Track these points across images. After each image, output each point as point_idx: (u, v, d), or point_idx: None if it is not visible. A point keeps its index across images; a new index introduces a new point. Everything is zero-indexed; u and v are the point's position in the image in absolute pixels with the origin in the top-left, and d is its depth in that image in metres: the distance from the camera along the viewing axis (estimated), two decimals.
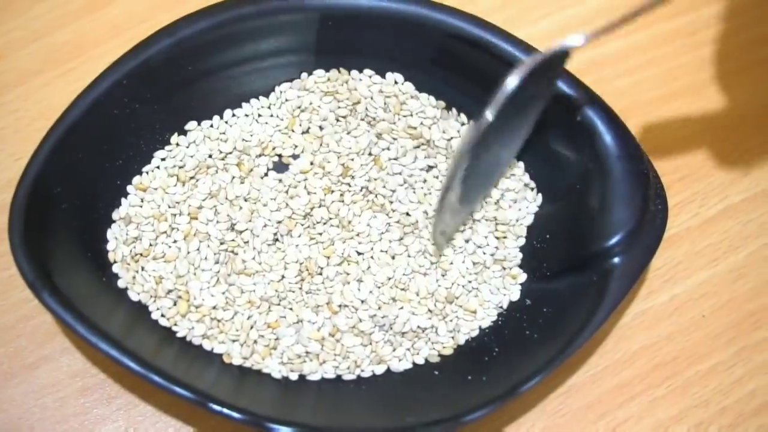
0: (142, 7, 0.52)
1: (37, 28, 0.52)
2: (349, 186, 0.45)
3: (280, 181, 0.46)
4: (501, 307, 0.44)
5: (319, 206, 0.45)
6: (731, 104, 0.50)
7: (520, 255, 0.45)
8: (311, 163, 0.46)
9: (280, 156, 0.46)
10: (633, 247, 0.41)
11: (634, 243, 0.41)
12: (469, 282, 0.44)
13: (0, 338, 0.44)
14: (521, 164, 0.46)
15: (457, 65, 0.45)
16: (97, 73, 0.43)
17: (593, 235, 0.42)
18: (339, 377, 0.42)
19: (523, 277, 0.44)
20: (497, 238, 0.45)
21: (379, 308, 0.43)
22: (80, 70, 0.50)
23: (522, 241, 0.45)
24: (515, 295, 0.44)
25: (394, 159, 0.46)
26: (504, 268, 0.44)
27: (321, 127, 0.47)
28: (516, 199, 0.45)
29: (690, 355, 0.45)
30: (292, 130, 0.46)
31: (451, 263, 0.44)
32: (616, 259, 0.41)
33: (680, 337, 0.45)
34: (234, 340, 0.42)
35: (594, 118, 0.42)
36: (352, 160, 0.46)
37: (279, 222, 0.45)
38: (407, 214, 0.45)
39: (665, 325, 0.45)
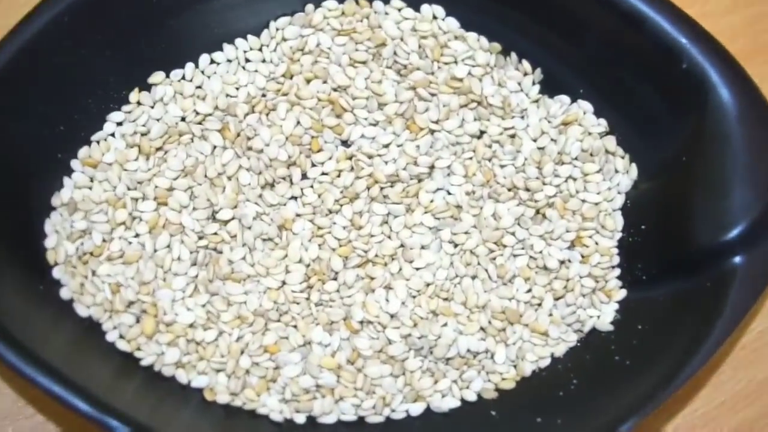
0: None
1: None
2: (370, 159, 0.43)
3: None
4: (581, 331, 0.41)
5: (331, 184, 0.43)
6: None
7: (618, 259, 0.42)
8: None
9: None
10: (760, 242, 0.38)
11: (762, 236, 0.38)
12: (539, 296, 0.42)
13: None
14: (603, 122, 0.43)
15: None
16: (28, 7, 0.41)
17: (705, 225, 0.39)
18: (362, 419, 0.40)
19: (621, 294, 0.42)
20: (581, 231, 0.42)
21: (415, 325, 0.41)
22: (4, 4, 0.47)
23: (618, 236, 0.42)
24: (607, 318, 0.41)
25: (434, 122, 0.43)
26: (596, 281, 0.42)
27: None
28: (601, 169, 0.43)
29: None
30: (290, 78, 0.44)
31: (513, 273, 0.42)
32: (736, 259, 0.38)
33: None
34: (219, 370, 0.40)
35: (706, 66, 0.40)
36: (376, 124, 0.44)
37: (276, 208, 0.42)
38: (448, 193, 0.43)
39: None
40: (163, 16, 0.43)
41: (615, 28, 0.41)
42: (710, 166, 0.39)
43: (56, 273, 0.40)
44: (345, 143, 0.44)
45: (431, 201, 0.42)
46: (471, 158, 0.43)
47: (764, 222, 0.38)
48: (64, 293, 0.40)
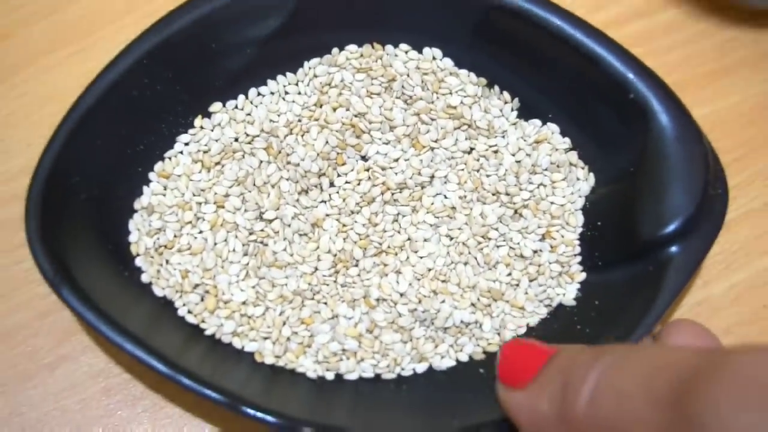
0: None
1: (47, 4, 0.51)
2: (384, 170, 0.45)
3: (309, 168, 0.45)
4: (551, 305, 0.44)
5: (353, 191, 0.45)
6: None
7: (579, 249, 0.44)
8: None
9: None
10: (691, 235, 0.41)
11: (693, 230, 0.41)
12: (517, 278, 0.44)
13: (15, 337, 0.44)
14: (567, 140, 0.45)
15: (499, 39, 0.45)
16: (112, 52, 0.43)
17: (649, 222, 0.41)
18: (378, 376, 0.42)
19: (582, 276, 0.44)
20: (550, 227, 0.45)
21: (420, 302, 0.43)
22: (95, 49, 0.50)
23: (579, 231, 0.44)
24: (570, 295, 0.44)
25: (434, 141, 0.45)
26: (562, 266, 0.44)
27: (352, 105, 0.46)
28: (565, 177, 0.45)
29: None
30: (320, 107, 0.46)
31: (496, 260, 0.44)
32: (673, 248, 0.41)
33: (740, 330, 0.44)
34: (266, 338, 0.42)
35: (648, 96, 0.42)
36: (388, 143, 0.46)
37: (310, 210, 0.45)
38: (445, 197, 0.45)
39: (723, 317, 0.45)
40: (221, 59, 0.45)
41: (577, 65, 0.43)
42: (653, 176, 0.41)
43: (138, 262, 0.43)
44: (364, 158, 0.45)
45: (432, 203, 0.44)
46: (463, 169, 0.45)
47: (695, 220, 0.40)
48: (144, 278, 0.43)
